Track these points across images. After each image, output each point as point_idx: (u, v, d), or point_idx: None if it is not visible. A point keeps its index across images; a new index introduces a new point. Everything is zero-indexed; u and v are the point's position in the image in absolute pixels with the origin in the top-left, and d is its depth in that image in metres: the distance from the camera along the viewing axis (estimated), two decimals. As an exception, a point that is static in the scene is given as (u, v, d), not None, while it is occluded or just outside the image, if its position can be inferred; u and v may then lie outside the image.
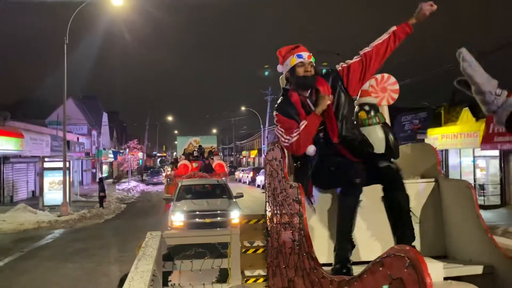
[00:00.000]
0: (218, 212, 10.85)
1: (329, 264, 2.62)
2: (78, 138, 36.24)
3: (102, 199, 21.01)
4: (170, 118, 66.65)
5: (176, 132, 77.54)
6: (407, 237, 2.62)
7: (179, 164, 17.37)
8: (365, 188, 2.74)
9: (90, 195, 26.93)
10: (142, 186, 39.25)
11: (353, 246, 2.64)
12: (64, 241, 12.92)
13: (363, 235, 2.80)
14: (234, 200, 11.99)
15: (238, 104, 61.45)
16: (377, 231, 2.84)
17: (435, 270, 1.72)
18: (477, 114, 17.85)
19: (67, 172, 19.69)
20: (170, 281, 4.76)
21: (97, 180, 25.29)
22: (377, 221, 2.83)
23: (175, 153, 58.12)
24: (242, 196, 12.61)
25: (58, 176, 20.04)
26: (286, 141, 2.92)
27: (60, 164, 20.01)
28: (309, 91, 2.95)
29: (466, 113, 18.92)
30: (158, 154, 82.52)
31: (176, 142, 38.11)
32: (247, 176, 38.95)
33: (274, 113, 3.06)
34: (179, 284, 4.77)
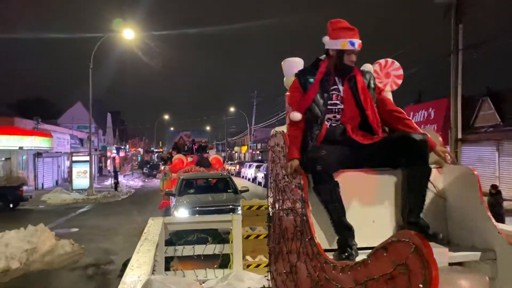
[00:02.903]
0: (226, 207, 10.35)
1: (333, 250, 2.57)
2: (88, 137, 42.30)
3: (116, 185, 27.44)
4: (166, 117, 72.97)
5: (172, 129, 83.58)
6: (420, 224, 2.56)
7: (173, 159, 16.89)
8: (364, 173, 2.78)
9: (103, 183, 33.41)
10: (143, 178, 45.55)
11: (350, 229, 2.55)
12: (99, 209, 19.36)
13: (367, 221, 2.74)
14: (240, 194, 11.52)
15: (229, 105, 67.76)
16: (382, 216, 2.78)
17: (441, 255, 1.70)
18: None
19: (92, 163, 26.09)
20: (173, 266, 4.97)
21: (112, 171, 31.62)
22: (381, 205, 2.79)
23: (165, 149, 62.67)
24: (247, 190, 12.04)
25: (83, 167, 26.40)
26: (290, 111, 2.97)
27: (84, 158, 26.68)
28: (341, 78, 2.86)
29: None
30: (155, 150, 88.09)
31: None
32: (234, 169, 45.40)
33: (294, 76, 3.00)
34: (181, 269, 4.92)
